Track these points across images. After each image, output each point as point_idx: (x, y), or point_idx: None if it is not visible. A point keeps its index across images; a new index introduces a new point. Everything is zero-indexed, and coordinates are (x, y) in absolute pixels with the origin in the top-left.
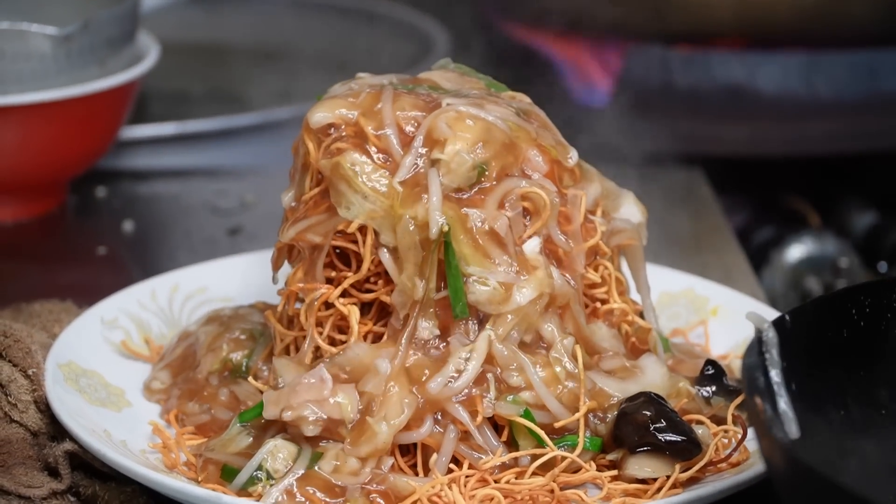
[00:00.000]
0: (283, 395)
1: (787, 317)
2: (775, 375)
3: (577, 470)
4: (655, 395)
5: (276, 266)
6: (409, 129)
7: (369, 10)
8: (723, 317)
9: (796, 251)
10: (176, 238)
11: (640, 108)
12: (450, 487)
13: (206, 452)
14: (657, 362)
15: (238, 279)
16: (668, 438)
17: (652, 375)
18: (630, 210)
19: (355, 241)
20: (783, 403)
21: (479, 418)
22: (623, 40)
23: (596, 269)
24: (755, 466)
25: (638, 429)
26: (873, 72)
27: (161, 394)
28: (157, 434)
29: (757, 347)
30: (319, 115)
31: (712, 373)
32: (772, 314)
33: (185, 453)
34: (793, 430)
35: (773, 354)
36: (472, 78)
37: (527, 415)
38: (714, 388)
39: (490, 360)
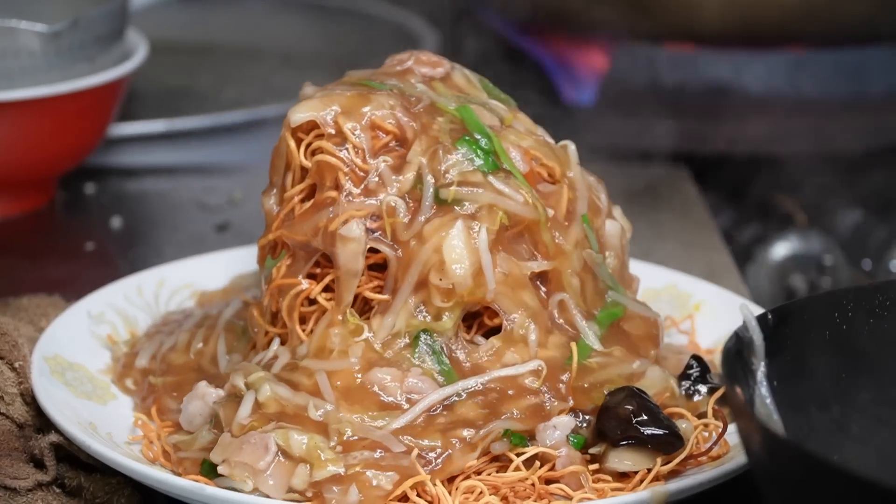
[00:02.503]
0: (231, 447)
1: (770, 315)
2: (757, 365)
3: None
4: (638, 389)
5: (263, 264)
6: (389, 122)
7: (357, 9)
8: (706, 313)
9: (782, 249)
10: (164, 234)
11: (626, 107)
12: (433, 482)
13: (178, 454)
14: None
15: (224, 275)
16: (650, 432)
17: (651, 375)
18: (614, 225)
19: None
20: (764, 391)
21: None
22: (610, 39)
23: None
24: (735, 459)
25: (621, 423)
26: (859, 70)
27: (135, 393)
28: (142, 428)
29: (737, 338)
30: (299, 115)
31: (697, 369)
32: (755, 310)
33: (164, 445)
34: (774, 420)
35: (755, 345)
36: (473, 86)
37: (515, 438)
38: (698, 385)
39: None
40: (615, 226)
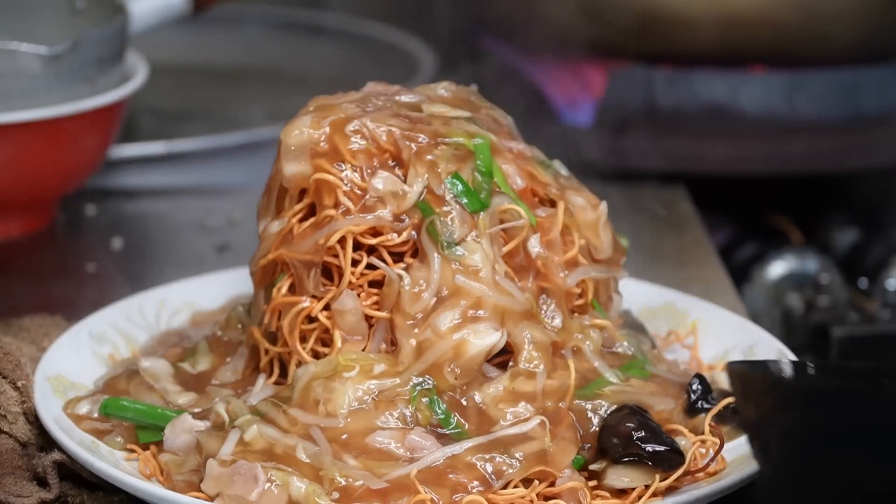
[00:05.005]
0: (223, 479)
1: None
2: None
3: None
4: (637, 407)
5: (262, 284)
6: (381, 139)
7: (356, 32)
8: (703, 330)
9: (778, 268)
10: (164, 255)
11: (623, 127)
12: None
13: (172, 477)
14: None
15: (225, 294)
16: (652, 449)
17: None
18: (617, 300)
19: (336, 255)
20: None
21: None
22: (607, 60)
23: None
24: (732, 475)
25: (622, 440)
26: (854, 90)
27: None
28: (133, 448)
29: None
30: (294, 134)
31: (699, 388)
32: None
33: (160, 463)
34: None
35: None
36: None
37: None
38: (700, 404)
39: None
40: (618, 300)
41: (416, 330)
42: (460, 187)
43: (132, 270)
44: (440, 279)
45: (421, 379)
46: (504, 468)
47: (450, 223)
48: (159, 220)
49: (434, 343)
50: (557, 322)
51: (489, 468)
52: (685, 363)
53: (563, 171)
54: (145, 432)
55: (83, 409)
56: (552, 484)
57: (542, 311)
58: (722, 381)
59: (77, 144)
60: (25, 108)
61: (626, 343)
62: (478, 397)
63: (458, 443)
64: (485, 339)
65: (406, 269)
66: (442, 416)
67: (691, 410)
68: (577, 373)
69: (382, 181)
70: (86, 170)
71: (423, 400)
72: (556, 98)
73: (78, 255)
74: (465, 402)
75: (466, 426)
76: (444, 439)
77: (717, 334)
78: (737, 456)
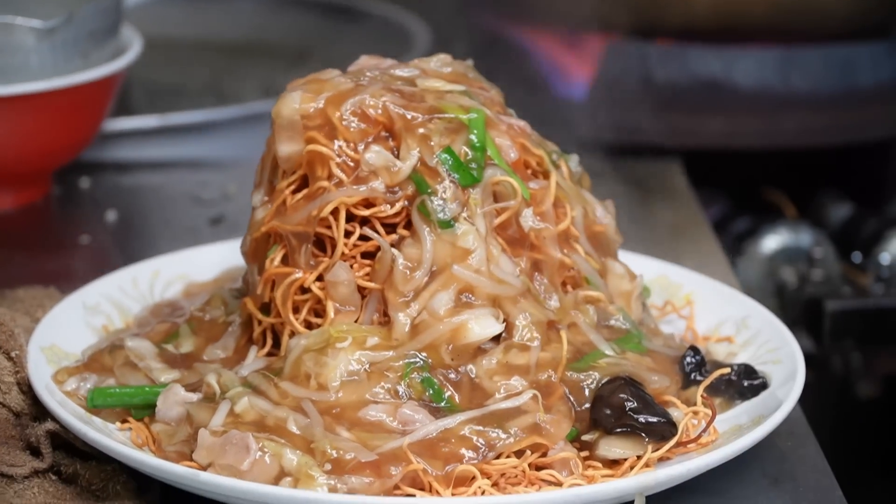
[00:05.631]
0: (215, 448)
1: None
2: None
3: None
4: (630, 378)
5: (255, 258)
6: (374, 113)
7: (351, 6)
8: (696, 303)
9: (772, 241)
10: (158, 227)
11: (617, 101)
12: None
13: (164, 447)
14: None
15: (218, 266)
16: (645, 420)
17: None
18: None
19: (329, 227)
20: None
21: None
22: (602, 34)
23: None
24: (723, 447)
25: (615, 411)
26: (848, 66)
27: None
28: (127, 420)
29: None
30: (286, 107)
31: (694, 360)
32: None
33: (153, 433)
34: None
35: None
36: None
37: None
38: (695, 376)
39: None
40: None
41: (410, 309)
42: (452, 162)
43: (126, 243)
44: (432, 258)
45: (414, 355)
46: (497, 442)
47: (441, 201)
48: (153, 192)
49: (431, 324)
50: (553, 301)
51: (482, 441)
52: (680, 335)
53: (576, 167)
54: (137, 411)
55: (69, 385)
56: (544, 454)
57: (538, 289)
58: (716, 352)
59: (71, 118)
60: (20, 82)
61: (620, 317)
62: (472, 370)
63: (452, 416)
64: (486, 329)
65: (399, 244)
66: (433, 393)
67: (685, 382)
68: (572, 346)
69: (374, 155)
70: (80, 143)
71: (415, 376)
72: (551, 72)
73: (72, 227)
74: (457, 378)
75: (458, 401)
76: (437, 413)
77: (711, 307)
78: (729, 427)
